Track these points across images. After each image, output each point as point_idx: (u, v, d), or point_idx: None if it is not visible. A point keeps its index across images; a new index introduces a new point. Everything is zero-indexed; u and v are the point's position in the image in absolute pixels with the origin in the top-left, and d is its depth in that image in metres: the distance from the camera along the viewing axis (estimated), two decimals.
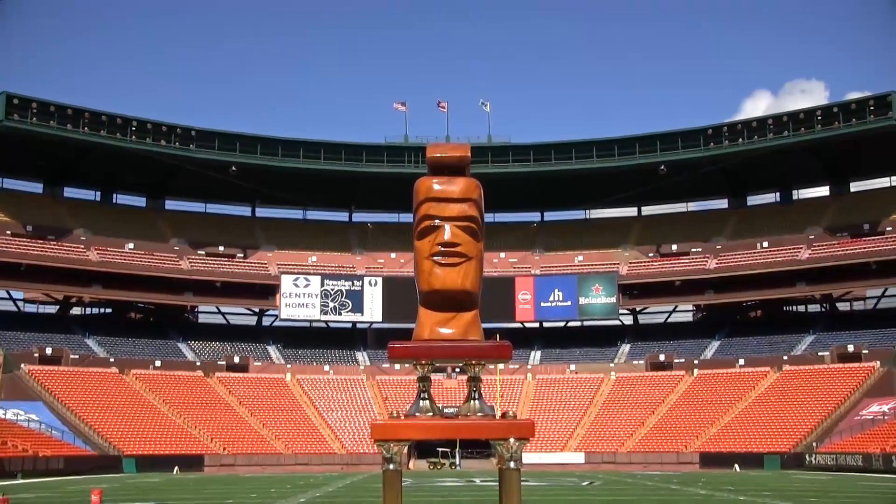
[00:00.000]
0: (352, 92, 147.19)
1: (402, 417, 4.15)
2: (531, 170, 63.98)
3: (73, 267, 55.76)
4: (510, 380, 58.09)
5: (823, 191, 64.97)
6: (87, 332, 58.70)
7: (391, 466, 4.07)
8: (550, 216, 71.09)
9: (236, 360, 58.97)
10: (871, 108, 55.11)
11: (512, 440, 4.00)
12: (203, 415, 51.55)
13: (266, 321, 66.31)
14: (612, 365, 60.10)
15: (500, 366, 51.03)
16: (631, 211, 69.73)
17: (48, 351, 52.72)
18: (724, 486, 26.65)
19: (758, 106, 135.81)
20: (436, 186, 4.28)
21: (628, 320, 66.21)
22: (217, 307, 64.95)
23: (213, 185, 63.58)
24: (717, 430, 50.03)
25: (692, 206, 69.41)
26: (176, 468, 43.69)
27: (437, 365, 4.44)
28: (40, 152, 57.71)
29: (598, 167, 62.87)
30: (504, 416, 4.13)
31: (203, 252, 63.10)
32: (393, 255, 65.41)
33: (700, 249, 63.22)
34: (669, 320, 66.40)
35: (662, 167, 60.25)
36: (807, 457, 43.88)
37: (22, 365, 50.97)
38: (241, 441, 49.99)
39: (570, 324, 65.40)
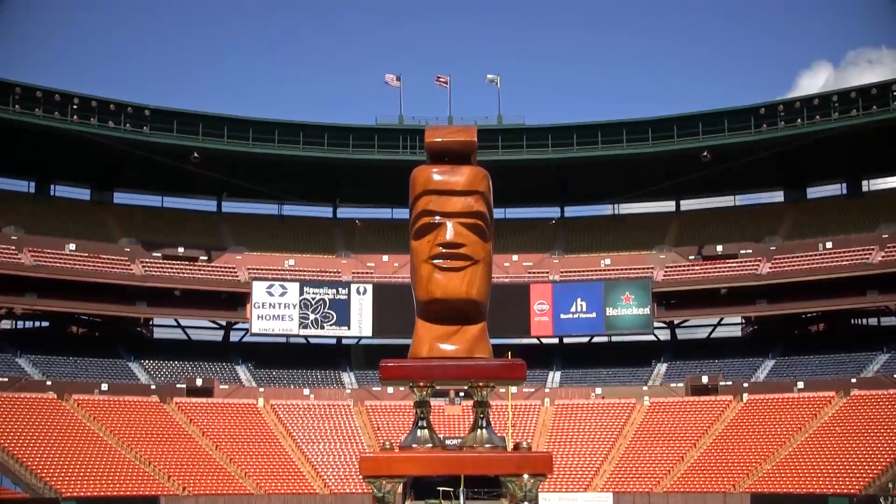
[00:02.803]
0: (337, 64, 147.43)
1: (397, 450, 4.18)
2: (549, 156, 63.98)
3: (1, 272, 55.79)
4: (524, 405, 58.11)
5: None
6: (19, 349, 58.73)
7: None
8: (572, 211, 71.07)
9: (199, 382, 59.00)
10: None
11: (526, 477, 4.03)
12: (158, 448, 51.57)
13: (234, 336, 66.35)
14: (645, 388, 60.10)
15: (513, 389, 51.01)
16: (668, 205, 69.72)
17: None
18: None
19: (816, 80, 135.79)
20: (436, 177, 4.32)
21: (665, 335, 66.21)
22: (176, 320, 65.00)
23: (172, 175, 63.61)
24: (772, 466, 50.01)
25: (741, 200, 69.43)
26: None
27: (438, 388, 4.47)
28: None
29: (628, 153, 62.87)
30: (517, 448, 4.16)
31: (159, 254, 63.16)
32: (385, 257, 65.45)
33: (750, 251, 63.22)
34: (714, 335, 66.39)
35: (705, 153, 60.24)
36: (881, 500, 43.81)
37: None
38: (204, 479, 50.00)
39: (596, 339, 65.39)
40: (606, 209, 71.09)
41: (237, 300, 61.78)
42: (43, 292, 57.14)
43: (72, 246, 60.48)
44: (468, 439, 4.30)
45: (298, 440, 55.36)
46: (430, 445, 4.24)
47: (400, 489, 5.16)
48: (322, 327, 61.93)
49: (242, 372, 63.19)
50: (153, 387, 58.11)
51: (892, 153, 61.91)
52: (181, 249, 63.84)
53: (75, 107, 58.51)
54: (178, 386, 58.59)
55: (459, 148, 4.41)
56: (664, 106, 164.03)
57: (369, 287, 62.22)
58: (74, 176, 65.96)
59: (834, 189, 67.10)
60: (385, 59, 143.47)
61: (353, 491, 49.66)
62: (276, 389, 60.54)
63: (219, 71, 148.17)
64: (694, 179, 63.35)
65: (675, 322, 65.75)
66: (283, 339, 64.62)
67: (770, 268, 61.06)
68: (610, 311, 61.50)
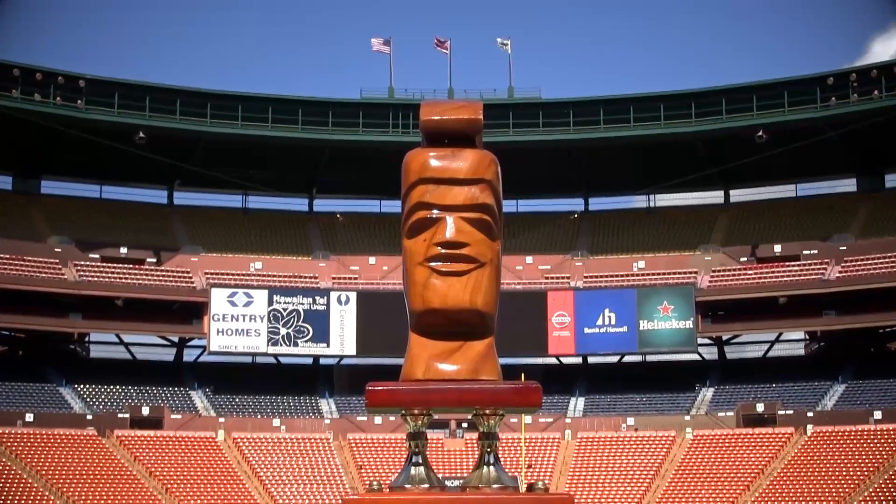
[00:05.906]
0: (314, 26, 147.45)
1: (386, 491, 4.21)
2: (571, 137, 64.01)
3: None
4: (540, 438, 58.15)
5: None
6: None
7: None
8: (598, 204, 71.11)
9: (145, 411, 59.00)
10: None
11: None
12: (96, 492, 51.59)
13: (189, 355, 66.41)
14: (687, 418, 60.11)
15: (527, 418, 51.04)
16: (715, 196, 69.73)
17: None
18: None
19: (891, 45, 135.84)
20: (433, 162, 4.35)
21: (711, 354, 66.21)
22: (117, 335, 65.01)
23: (113, 160, 63.61)
24: None
25: (804, 190, 69.43)
26: None
27: (436, 417, 4.50)
28: None
29: (667, 133, 62.91)
30: (531, 489, 4.19)
31: (97, 256, 63.16)
32: (372, 259, 65.45)
33: (816, 252, 63.23)
34: (771, 354, 66.42)
35: (761, 133, 60.27)
36: None
37: None
38: None
39: (627, 359, 65.45)
40: (640, 201, 71.09)
41: (192, 311, 61.77)
42: None
43: None
44: (472, 478, 4.33)
45: (266, 481, 55.36)
46: (426, 486, 4.27)
47: None
48: (295, 344, 61.90)
49: (198, 399, 63.18)
50: (90, 417, 58.06)
51: None
52: (124, 250, 63.82)
53: None
54: (119, 416, 58.54)
55: (462, 127, 4.44)
56: (710, 77, 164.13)
57: (353, 295, 62.21)
58: None
59: None
60: (372, 19, 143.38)
61: None
62: (239, 420, 60.52)
63: (171, 34, 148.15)
64: (747, 165, 63.36)
65: (724, 338, 65.77)
66: (249, 359, 64.60)
67: (840, 272, 61.03)
68: (644, 325, 61.49)
